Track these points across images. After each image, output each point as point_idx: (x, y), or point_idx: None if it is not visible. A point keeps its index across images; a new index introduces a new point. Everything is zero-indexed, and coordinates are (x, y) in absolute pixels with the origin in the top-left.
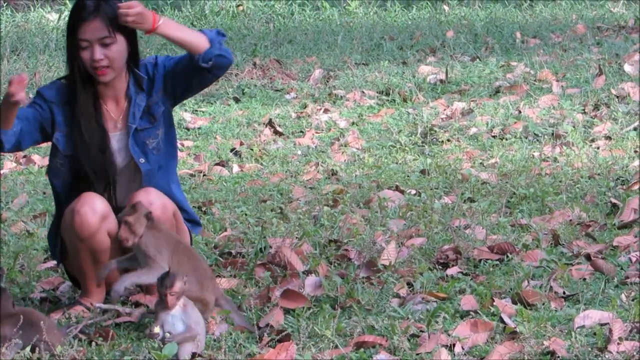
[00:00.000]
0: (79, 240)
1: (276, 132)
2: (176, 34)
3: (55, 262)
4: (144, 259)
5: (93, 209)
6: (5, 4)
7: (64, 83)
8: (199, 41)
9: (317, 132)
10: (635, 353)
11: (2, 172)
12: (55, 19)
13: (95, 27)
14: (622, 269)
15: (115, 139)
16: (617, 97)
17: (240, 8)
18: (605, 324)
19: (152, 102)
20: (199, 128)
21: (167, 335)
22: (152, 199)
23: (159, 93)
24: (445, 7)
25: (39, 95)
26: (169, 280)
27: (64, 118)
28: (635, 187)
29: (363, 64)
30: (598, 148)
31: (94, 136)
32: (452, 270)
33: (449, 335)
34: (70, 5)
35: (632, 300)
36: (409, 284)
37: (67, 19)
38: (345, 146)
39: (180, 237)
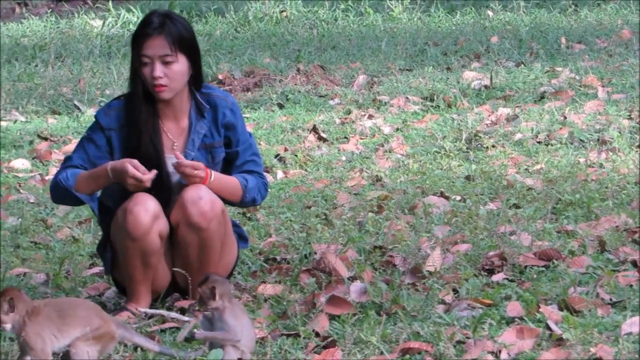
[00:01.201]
0: (131, 239)
1: (320, 138)
2: (215, 191)
3: (101, 268)
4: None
5: (146, 208)
6: (50, 10)
7: (123, 101)
8: (230, 199)
9: (361, 138)
10: None
11: (46, 177)
12: (99, 25)
13: (158, 44)
14: None
15: (172, 161)
16: None
17: (284, 14)
18: None
19: (217, 143)
20: None
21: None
22: (202, 193)
23: (221, 140)
24: (490, 13)
25: (97, 125)
26: (201, 280)
27: (120, 143)
28: None
29: (407, 69)
30: None
31: (150, 153)
32: (497, 277)
33: (494, 341)
34: (114, 12)
35: None
36: (455, 290)
37: (133, 32)
38: (390, 152)
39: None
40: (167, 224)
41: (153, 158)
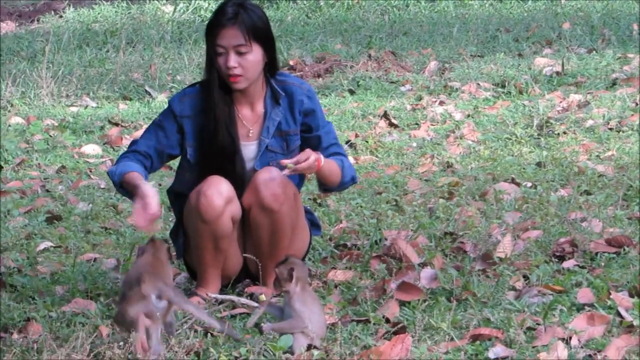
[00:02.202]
0: (203, 222)
1: (391, 124)
2: (323, 176)
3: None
4: None
5: (219, 191)
6: None
7: (197, 89)
8: (333, 182)
9: (432, 124)
10: None
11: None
12: (171, 11)
13: (232, 34)
14: None
15: (247, 149)
16: None
17: (355, 0)
18: None
19: (292, 131)
20: None
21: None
22: (274, 175)
23: (297, 128)
24: None
25: (170, 112)
26: (281, 261)
27: (193, 129)
28: None
29: (478, 55)
30: None
31: (226, 141)
32: (568, 263)
33: (565, 328)
34: None
35: None
36: (525, 277)
37: (207, 22)
38: (461, 138)
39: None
40: (239, 209)
41: (229, 146)
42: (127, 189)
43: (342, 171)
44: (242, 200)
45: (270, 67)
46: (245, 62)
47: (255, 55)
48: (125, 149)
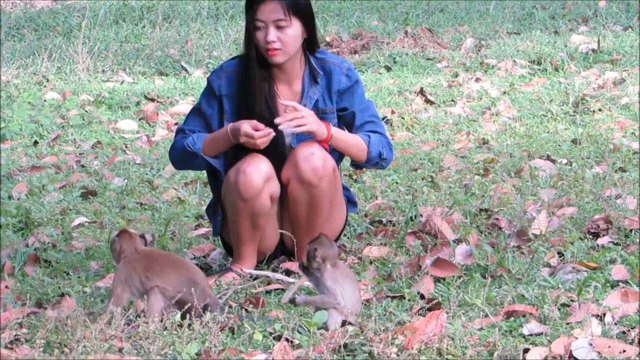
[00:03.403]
0: (241, 200)
1: (427, 101)
2: (342, 147)
3: (207, 230)
4: None
5: (259, 169)
6: None
7: (236, 62)
8: (358, 156)
9: (468, 101)
10: None
11: (153, 139)
12: None
13: (272, 8)
14: None
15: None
16: None
17: None
18: None
19: (329, 109)
20: None
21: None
22: (314, 150)
23: (334, 106)
24: None
25: (209, 89)
26: (313, 238)
27: (232, 107)
28: None
29: (515, 33)
30: None
31: (265, 116)
32: (602, 240)
33: (599, 304)
34: None
35: None
36: (560, 254)
37: None
38: (497, 115)
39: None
40: (278, 186)
41: (268, 121)
42: (210, 151)
43: (368, 145)
44: (281, 175)
45: (310, 43)
46: (285, 37)
47: (295, 30)
48: (173, 137)
